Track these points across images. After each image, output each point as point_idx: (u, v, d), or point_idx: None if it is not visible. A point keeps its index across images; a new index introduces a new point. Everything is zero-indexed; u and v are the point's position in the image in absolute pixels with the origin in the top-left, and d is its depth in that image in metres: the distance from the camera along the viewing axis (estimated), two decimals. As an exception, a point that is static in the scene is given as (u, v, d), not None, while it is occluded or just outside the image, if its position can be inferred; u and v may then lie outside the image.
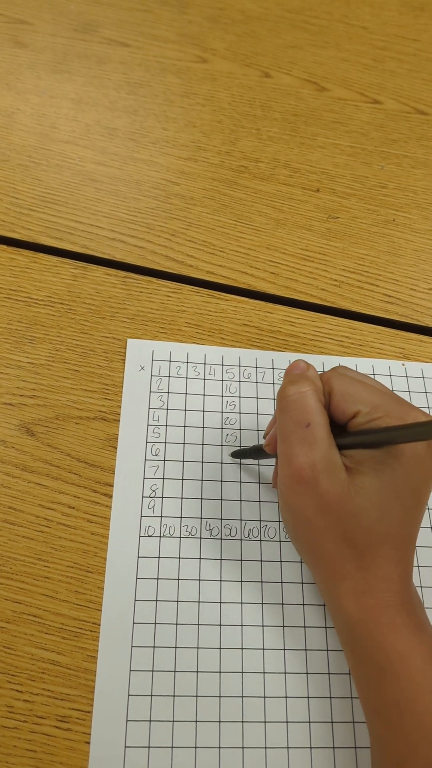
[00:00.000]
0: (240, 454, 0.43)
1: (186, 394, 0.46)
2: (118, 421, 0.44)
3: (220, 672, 0.37)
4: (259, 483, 0.43)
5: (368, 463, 0.33)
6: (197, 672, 0.37)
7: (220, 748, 0.35)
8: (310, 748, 0.36)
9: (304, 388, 0.34)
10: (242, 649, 0.38)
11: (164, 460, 0.43)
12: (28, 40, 0.64)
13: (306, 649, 0.38)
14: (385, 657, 0.31)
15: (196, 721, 0.36)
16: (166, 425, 0.44)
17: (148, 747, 0.35)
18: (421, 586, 0.41)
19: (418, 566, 0.41)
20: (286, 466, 0.34)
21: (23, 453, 0.42)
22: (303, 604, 0.39)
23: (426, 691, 0.30)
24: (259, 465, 0.43)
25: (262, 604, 0.39)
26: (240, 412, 0.45)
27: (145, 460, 0.43)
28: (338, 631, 0.34)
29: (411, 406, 0.35)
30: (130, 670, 0.36)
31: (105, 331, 0.47)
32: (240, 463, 0.43)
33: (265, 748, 0.35)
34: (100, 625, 0.37)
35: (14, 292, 0.48)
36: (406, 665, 0.31)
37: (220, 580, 0.39)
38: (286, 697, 0.37)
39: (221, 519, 0.41)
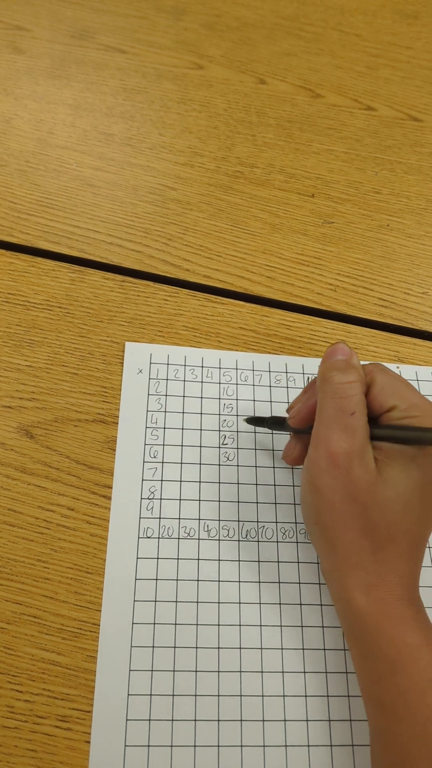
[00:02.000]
0: (256, 421, 0.43)
1: (184, 396, 0.46)
2: (117, 423, 0.44)
3: (218, 671, 0.37)
4: (256, 485, 0.43)
5: (397, 457, 0.33)
6: (196, 671, 0.37)
7: (219, 746, 0.35)
8: (308, 746, 0.36)
9: (353, 378, 0.35)
10: (240, 648, 0.38)
11: (162, 462, 0.43)
12: (25, 46, 0.65)
13: (303, 648, 0.38)
14: (395, 649, 0.31)
15: (195, 720, 0.36)
16: (164, 428, 0.45)
17: (148, 746, 0.35)
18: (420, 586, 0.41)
19: (414, 566, 0.42)
20: (323, 448, 0.34)
21: (22, 455, 0.42)
22: (300, 604, 0.40)
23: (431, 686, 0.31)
24: (256, 467, 0.44)
25: (260, 604, 0.39)
26: (237, 415, 0.46)
27: (144, 462, 0.43)
28: (345, 625, 0.35)
29: None
30: (130, 670, 0.37)
31: (103, 334, 0.48)
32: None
33: (264, 746, 0.36)
34: (99, 625, 0.38)
35: (12, 296, 0.49)
36: (415, 658, 0.31)
37: (219, 581, 0.40)
38: (283, 695, 0.37)
39: (219, 520, 0.42)
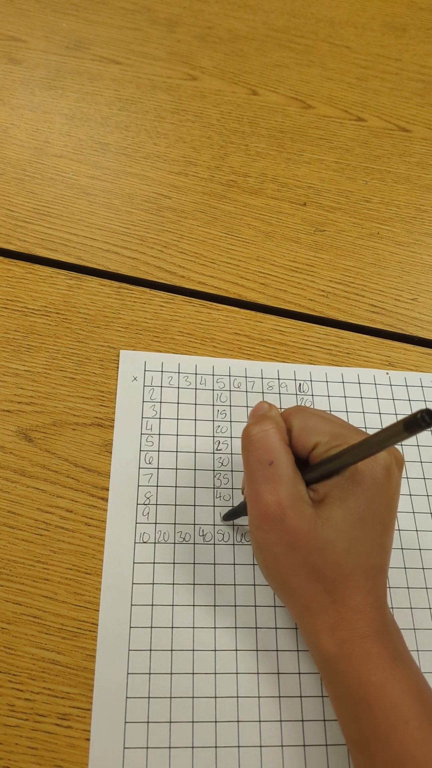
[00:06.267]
0: (231, 514, 0.42)
1: (178, 403, 0.47)
2: (114, 427, 0.45)
3: (215, 674, 0.38)
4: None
5: (333, 493, 0.33)
6: (193, 674, 0.38)
7: (216, 747, 0.36)
8: (304, 746, 0.37)
9: (266, 427, 0.35)
10: (236, 650, 0.38)
11: (158, 468, 0.44)
12: (21, 56, 0.66)
13: (298, 650, 0.39)
14: (361, 689, 0.31)
15: (193, 722, 0.36)
16: (159, 434, 0.45)
17: (147, 748, 0.35)
18: (407, 587, 0.42)
19: (405, 568, 0.43)
20: (253, 504, 0.34)
21: (21, 458, 0.43)
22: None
23: (400, 722, 0.30)
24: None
25: (255, 606, 0.40)
26: (231, 421, 0.46)
27: (139, 468, 0.44)
28: (318, 667, 0.35)
29: (368, 435, 0.35)
30: (128, 674, 0.37)
31: (100, 340, 0.48)
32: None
33: (260, 746, 0.36)
34: (98, 624, 0.38)
35: (11, 302, 0.49)
36: (380, 697, 0.31)
37: (214, 584, 0.40)
38: (279, 696, 0.38)
39: (214, 525, 0.42)
